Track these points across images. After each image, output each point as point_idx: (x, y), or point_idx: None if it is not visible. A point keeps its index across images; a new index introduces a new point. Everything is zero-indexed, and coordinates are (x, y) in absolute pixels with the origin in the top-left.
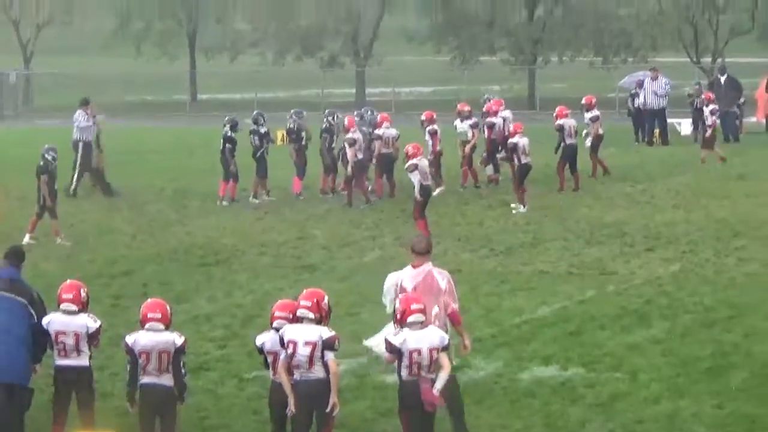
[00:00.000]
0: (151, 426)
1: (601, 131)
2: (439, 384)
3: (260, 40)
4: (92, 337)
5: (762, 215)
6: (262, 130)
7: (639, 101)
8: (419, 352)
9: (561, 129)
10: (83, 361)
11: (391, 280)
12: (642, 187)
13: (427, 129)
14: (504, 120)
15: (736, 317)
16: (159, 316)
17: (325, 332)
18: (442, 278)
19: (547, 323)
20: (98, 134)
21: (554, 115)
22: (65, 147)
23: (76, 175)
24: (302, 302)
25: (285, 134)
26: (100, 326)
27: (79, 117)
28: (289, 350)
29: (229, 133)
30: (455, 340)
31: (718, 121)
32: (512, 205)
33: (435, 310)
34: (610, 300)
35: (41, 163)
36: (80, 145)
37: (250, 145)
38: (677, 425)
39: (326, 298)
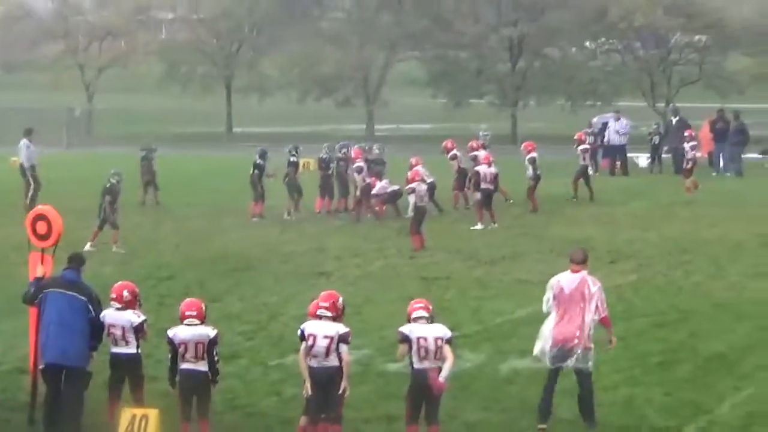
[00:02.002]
0: (189, 405)
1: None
2: (445, 372)
3: (286, 84)
4: (137, 330)
5: (705, 235)
6: (293, 159)
7: (605, 138)
8: (425, 339)
9: (533, 161)
10: (131, 349)
11: (552, 281)
12: (606, 209)
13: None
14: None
15: (683, 320)
16: (195, 312)
17: (341, 328)
18: (594, 285)
19: (524, 322)
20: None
21: (522, 149)
22: (124, 170)
23: (31, 194)
24: (321, 303)
25: (317, 162)
26: (144, 321)
27: (23, 145)
28: (309, 342)
29: (258, 161)
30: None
31: (698, 155)
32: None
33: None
34: None
35: (107, 185)
36: (27, 167)
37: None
38: (632, 409)
39: (341, 299)
